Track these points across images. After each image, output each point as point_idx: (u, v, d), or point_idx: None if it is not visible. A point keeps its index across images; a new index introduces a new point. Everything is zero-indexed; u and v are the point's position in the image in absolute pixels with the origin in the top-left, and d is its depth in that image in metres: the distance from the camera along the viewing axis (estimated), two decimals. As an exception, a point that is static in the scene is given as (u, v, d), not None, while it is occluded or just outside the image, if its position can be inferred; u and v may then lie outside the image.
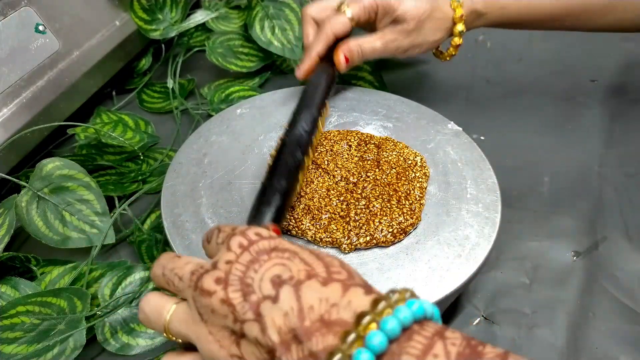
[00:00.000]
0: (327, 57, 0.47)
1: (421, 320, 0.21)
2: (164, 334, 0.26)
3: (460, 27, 0.48)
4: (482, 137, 0.55)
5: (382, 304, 0.20)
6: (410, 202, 0.39)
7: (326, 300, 0.21)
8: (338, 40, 0.47)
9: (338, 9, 0.47)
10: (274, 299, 0.22)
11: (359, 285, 0.22)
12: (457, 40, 0.49)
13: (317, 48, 0.46)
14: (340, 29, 0.46)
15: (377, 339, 0.19)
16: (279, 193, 0.34)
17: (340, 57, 0.46)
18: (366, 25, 0.49)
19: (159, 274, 0.27)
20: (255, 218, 0.33)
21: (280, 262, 0.23)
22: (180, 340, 0.25)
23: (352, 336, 0.20)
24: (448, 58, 0.52)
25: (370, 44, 0.47)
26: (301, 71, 0.47)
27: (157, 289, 0.29)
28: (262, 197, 0.34)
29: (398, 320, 0.20)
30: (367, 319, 0.20)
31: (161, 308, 0.26)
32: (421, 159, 0.43)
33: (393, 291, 0.21)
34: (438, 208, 0.39)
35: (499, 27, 0.51)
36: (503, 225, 0.38)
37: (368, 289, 0.22)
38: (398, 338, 0.20)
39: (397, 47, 0.47)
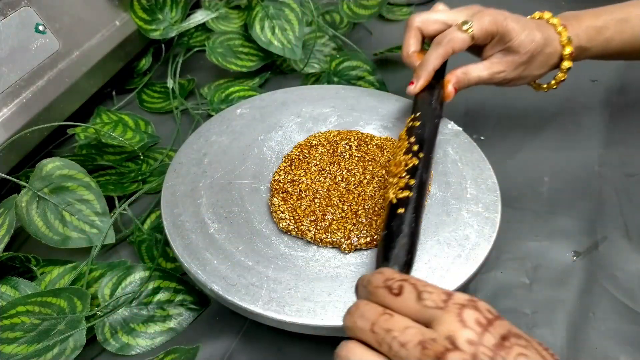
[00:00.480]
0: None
1: None
2: None
3: (567, 64, 0.47)
4: (482, 137, 0.55)
5: None
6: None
7: None
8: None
9: (461, 26, 0.45)
10: None
11: None
12: (561, 76, 0.48)
13: (436, 63, 0.45)
14: (460, 46, 0.45)
15: None
16: (415, 236, 0.33)
17: (449, 89, 0.45)
18: (473, 47, 0.47)
19: (363, 328, 0.24)
20: (392, 257, 0.31)
21: (522, 352, 0.22)
22: None
23: None
24: (545, 90, 0.50)
25: (476, 73, 0.46)
26: (417, 88, 0.45)
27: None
28: (403, 235, 0.32)
29: None
30: None
31: None
32: None
33: None
34: (438, 208, 0.39)
35: (601, 59, 0.50)
36: (503, 225, 0.38)
37: None
38: None
39: (503, 78, 0.47)
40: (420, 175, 0.37)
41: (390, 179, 0.37)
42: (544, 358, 0.22)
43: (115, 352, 0.38)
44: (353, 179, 0.41)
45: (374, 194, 0.39)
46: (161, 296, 0.41)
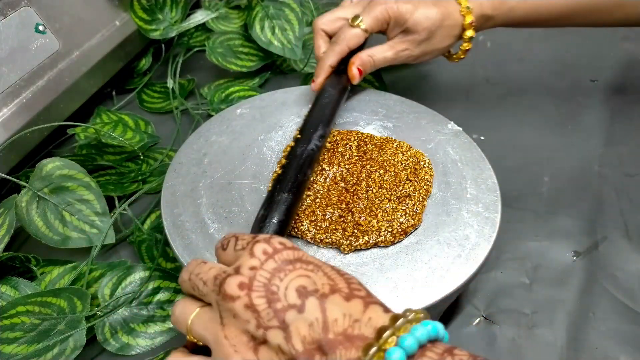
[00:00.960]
0: (339, 68, 0.48)
1: (433, 340, 0.22)
2: (188, 336, 0.26)
3: (469, 33, 0.48)
4: (482, 137, 0.55)
5: (400, 321, 0.21)
6: (413, 203, 0.39)
7: (349, 316, 0.22)
8: (351, 52, 0.48)
9: (352, 22, 0.47)
10: (300, 309, 0.22)
11: (377, 303, 0.23)
12: (466, 45, 0.49)
13: (331, 61, 0.47)
14: (355, 41, 0.47)
15: (396, 354, 0.20)
16: (285, 206, 0.34)
17: (354, 71, 0.47)
18: (378, 33, 0.49)
19: (185, 279, 0.27)
20: (260, 230, 0.33)
21: (304, 274, 0.24)
22: (201, 343, 0.26)
23: (373, 349, 0.20)
24: (457, 60, 0.52)
25: (381, 54, 0.47)
26: (316, 84, 0.47)
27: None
28: (268, 209, 0.34)
29: (415, 338, 0.21)
30: (387, 333, 0.21)
31: (187, 311, 0.26)
32: (428, 161, 0.43)
33: (409, 311, 0.22)
34: (438, 208, 0.39)
35: (506, 27, 0.51)
36: (503, 225, 0.38)
37: (386, 307, 0.23)
38: (414, 355, 0.21)
39: (408, 55, 0.48)
40: (293, 152, 0.39)
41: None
42: (331, 280, 0.24)
43: (115, 352, 0.38)
44: (353, 179, 0.41)
45: (373, 193, 0.39)
46: (161, 296, 0.41)
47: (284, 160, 0.39)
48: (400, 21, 0.46)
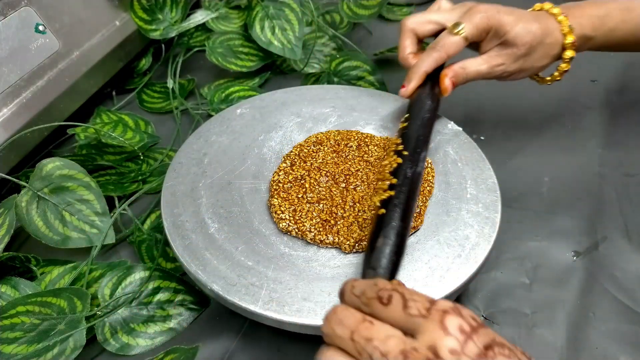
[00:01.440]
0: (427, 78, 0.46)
1: None
2: None
3: (569, 53, 0.45)
4: (482, 137, 0.55)
5: None
6: (416, 203, 0.38)
7: None
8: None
9: (452, 29, 0.44)
10: None
11: None
12: (564, 66, 0.47)
13: (427, 67, 0.45)
14: (454, 50, 0.45)
15: None
16: (401, 237, 0.32)
17: (446, 83, 0.45)
18: (471, 44, 0.47)
19: (342, 336, 0.24)
20: (378, 265, 0.31)
21: None
22: None
23: None
24: (550, 83, 0.50)
25: (475, 67, 0.45)
26: (409, 90, 0.45)
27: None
28: (386, 240, 0.32)
29: None
30: None
31: None
32: (429, 162, 0.43)
33: None
34: (438, 208, 0.39)
35: (606, 50, 0.49)
36: (503, 225, 0.38)
37: None
38: None
39: (502, 71, 0.46)
40: (404, 173, 0.37)
41: (379, 184, 0.38)
42: None
43: (115, 352, 0.38)
44: (353, 179, 0.41)
45: (374, 194, 0.39)
46: (161, 296, 0.41)
47: (388, 176, 0.37)
48: (500, 32, 0.44)
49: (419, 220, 0.38)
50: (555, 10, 0.45)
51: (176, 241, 0.37)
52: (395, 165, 0.38)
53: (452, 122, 0.47)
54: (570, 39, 0.45)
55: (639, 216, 0.47)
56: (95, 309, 0.39)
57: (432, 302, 0.23)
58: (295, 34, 0.61)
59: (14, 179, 0.43)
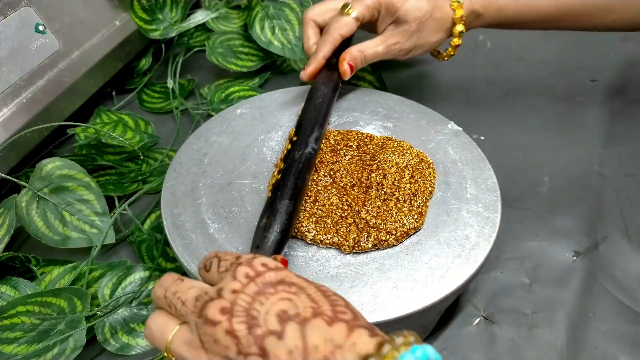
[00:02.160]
0: (330, 62, 0.48)
1: None
2: (165, 353, 0.26)
3: (459, 27, 0.48)
4: (482, 137, 0.55)
5: (386, 348, 0.21)
6: (418, 203, 0.38)
7: (331, 341, 0.21)
8: (342, 46, 0.48)
9: (342, 11, 0.47)
10: (279, 335, 0.22)
11: (363, 327, 0.22)
12: (456, 40, 0.49)
13: (324, 51, 0.46)
14: (346, 30, 0.46)
15: None
16: (286, 214, 0.34)
17: (345, 67, 0.46)
18: (368, 26, 0.49)
19: (160, 296, 0.27)
20: (262, 243, 0.32)
21: (287, 297, 0.23)
22: None
23: None
24: (446, 58, 0.52)
25: (372, 49, 0.47)
26: (307, 73, 0.47)
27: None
28: (271, 217, 0.34)
29: None
30: None
31: (165, 327, 0.26)
32: (431, 162, 0.42)
33: (397, 334, 0.21)
34: (438, 208, 0.39)
35: (497, 28, 0.51)
36: (503, 225, 0.38)
37: (372, 331, 0.22)
38: None
39: (399, 49, 0.47)
40: (291, 156, 0.38)
41: (273, 174, 0.40)
42: (315, 302, 0.23)
43: (115, 352, 0.38)
44: (352, 179, 0.41)
45: (374, 194, 0.39)
46: (161, 296, 0.41)
47: (281, 164, 0.39)
48: (391, 10, 0.46)
49: (420, 221, 0.38)
50: None
51: (176, 241, 0.37)
52: (285, 152, 0.40)
53: (452, 122, 0.47)
54: (459, 13, 0.47)
55: (639, 216, 0.47)
56: (95, 309, 0.39)
57: (237, 257, 0.26)
58: (295, 34, 0.61)
59: (14, 179, 0.43)
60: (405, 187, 0.40)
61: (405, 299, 0.33)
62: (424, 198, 0.39)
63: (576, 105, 0.60)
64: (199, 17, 0.64)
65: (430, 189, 0.40)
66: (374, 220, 0.37)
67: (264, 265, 0.25)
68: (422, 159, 0.43)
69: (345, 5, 0.46)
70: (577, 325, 0.40)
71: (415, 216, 0.38)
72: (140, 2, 0.61)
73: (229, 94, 0.60)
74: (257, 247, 0.32)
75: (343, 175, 0.41)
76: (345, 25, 0.46)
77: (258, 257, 0.26)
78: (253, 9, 0.62)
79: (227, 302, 0.23)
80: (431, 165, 0.42)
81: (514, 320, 0.40)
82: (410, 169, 0.41)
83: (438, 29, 0.48)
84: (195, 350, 0.24)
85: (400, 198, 0.39)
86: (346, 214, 0.38)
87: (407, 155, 0.43)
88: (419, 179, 0.40)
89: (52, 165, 0.43)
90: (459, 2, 0.47)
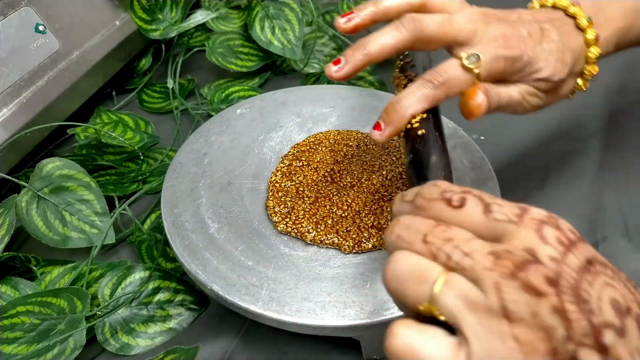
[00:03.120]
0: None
1: None
2: (420, 306, 0.20)
3: (594, 50, 0.36)
4: (482, 137, 0.55)
5: None
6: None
7: None
8: None
9: (465, 60, 0.32)
10: (621, 331, 0.18)
11: None
12: (591, 69, 0.37)
13: (417, 108, 0.33)
14: (458, 90, 0.33)
15: None
16: (447, 160, 0.30)
17: (479, 100, 0.32)
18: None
19: (414, 240, 0.21)
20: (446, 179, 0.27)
21: (609, 282, 0.19)
22: (443, 319, 0.20)
23: None
24: (571, 96, 0.41)
25: (507, 92, 0.35)
26: (384, 136, 0.34)
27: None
28: (443, 156, 0.29)
29: None
30: None
31: (425, 271, 0.20)
32: None
33: None
34: (438, 208, 0.39)
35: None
36: (503, 225, 0.38)
37: None
38: None
39: (537, 104, 0.37)
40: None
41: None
42: (633, 295, 0.19)
43: (115, 352, 0.38)
44: (352, 179, 0.41)
45: (374, 194, 0.39)
46: (161, 296, 0.41)
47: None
48: (528, 69, 0.34)
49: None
50: (579, 12, 0.36)
51: (176, 241, 0.37)
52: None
53: (452, 122, 0.47)
54: (591, 33, 0.36)
55: (639, 216, 0.47)
56: (95, 309, 0.39)
57: (523, 208, 0.21)
58: (295, 34, 0.61)
59: (14, 179, 0.43)
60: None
61: (405, 299, 0.33)
62: None
63: (576, 105, 0.60)
64: (199, 17, 0.64)
65: None
66: (376, 220, 0.37)
67: (572, 231, 0.20)
68: None
69: (471, 55, 0.32)
70: (577, 325, 0.40)
71: None
72: (140, 2, 0.61)
73: (229, 94, 0.60)
74: (422, 179, 0.28)
75: (343, 176, 0.41)
76: (461, 84, 0.33)
77: (560, 219, 0.20)
78: (253, 9, 0.62)
79: (551, 271, 0.18)
80: None
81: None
82: None
83: (574, 74, 0.37)
84: (487, 315, 0.19)
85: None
86: (346, 214, 0.38)
87: (407, 155, 0.43)
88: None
89: (52, 165, 0.43)
90: (589, 20, 0.35)
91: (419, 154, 0.30)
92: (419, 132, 0.31)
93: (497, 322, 0.18)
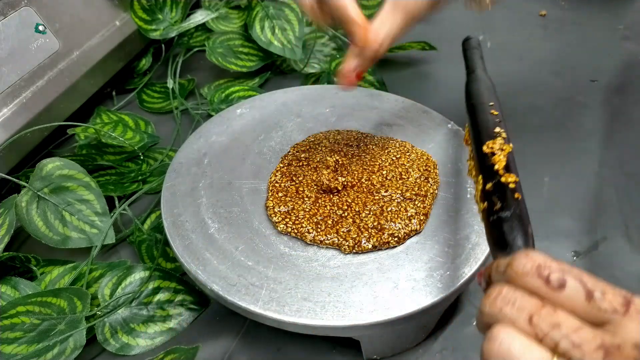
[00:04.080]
0: None
1: None
2: None
3: None
4: (482, 137, 0.55)
5: None
6: (424, 205, 0.38)
7: None
8: None
9: None
10: None
11: None
12: None
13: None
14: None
15: None
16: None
17: (349, 77, 0.36)
18: None
19: (518, 318, 0.21)
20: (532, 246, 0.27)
21: None
22: None
23: None
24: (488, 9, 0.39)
25: (387, 25, 0.35)
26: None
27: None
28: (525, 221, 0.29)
29: None
30: None
31: (537, 358, 0.20)
32: (435, 163, 0.42)
33: None
34: (438, 208, 0.39)
35: None
36: (503, 225, 0.38)
37: None
38: None
39: (418, 11, 0.36)
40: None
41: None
42: None
43: (115, 352, 0.38)
44: (353, 179, 0.41)
45: (374, 194, 0.39)
46: (161, 296, 0.41)
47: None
48: None
49: (424, 223, 0.38)
50: None
51: (176, 241, 0.37)
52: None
53: (452, 122, 0.47)
54: None
55: (639, 216, 0.47)
56: (95, 309, 0.39)
57: (628, 299, 0.21)
58: (295, 34, 0.61)
59: (14, 179, 0.43)
60: (411, 187, 0.39)
61: (405, 299, 0.33)
62: (432, 199, 0.39)
63: (576, 105, 0.60)
64: (199, 17, 0.64)
65: (436, 190, 0.40)
66: (376, 221, 0.37)
67: None
68: (427, 159, 0.42)
69: None
70: (577, 325, 0.40)
71: (422, 218, 0.38)
72: (140, 2, 0.61)
73: (229, 94, 0.60)
74: (505, 247, 0.27)
75: (342, 176, 0.41)
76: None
77: None
78: (253, 9, 0.62)
79: None
80: (436, 166, 0.42)
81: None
82: (417, 170, 0.41)
83: None
84: None
85: (405, 199, 0.39)
86: (346, 214, 0.38)
87: (411, 155, 0.43)
88: (425, 180, 0.40)
89: (52, 165, 0.43)
90: None
91: (513, 218, 0.29)
92: (516, 196, 0.29)
93: None
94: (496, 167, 0.30)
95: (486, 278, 0.24)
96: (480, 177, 0.31)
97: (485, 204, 0.29)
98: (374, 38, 0.35)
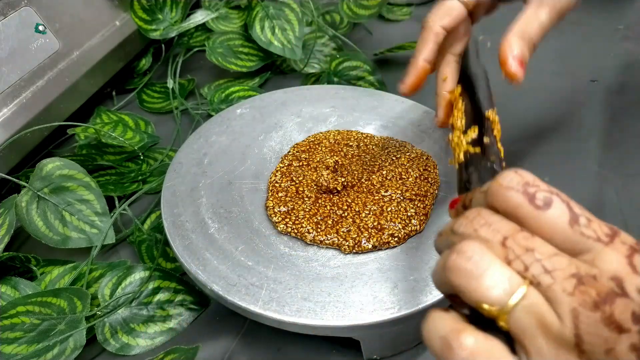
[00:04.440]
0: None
1: None
2: (484, 306, 0.19)
3: None
4: (482, 137, 0.55)
5: None
6: (425, 205, 0.38)
7: None
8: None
9: None
10: None
11: None
12: None
13: (424, 53, 0.36)
14: (450, 20, 0.33)
15: None
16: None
17: (513, 68, 0.34)
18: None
19: (492, 240, 0.19)
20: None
21: None
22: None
23: None
24: None
25: (534, 21, 0.33)
26: (406, 85, 0.38)
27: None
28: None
29: None
30: None
31: (505, 281, 0.18)
32: (434, 163, 0.42)
33: None
34: (438, 208, 0.39)
35: None
36: (503, 225, 0.38)
37: None
38: None
39: (567, 4, 0.34)
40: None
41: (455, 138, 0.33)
42: None
43: (115, 352, 0.38)
44: (353, 179, 0.41)
45: (374, 194, 0.39)
46: (161, 296, 0.41)
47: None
48: None
49: (425, 223, 0.38)
50: None
51: (176, 241, 0.37)
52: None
53: (452, 122, 0.47)
54: None
55: (639, 216, 0.47)
56: (95, 309, 0.39)
57: (614, 229, 0.19)
58: (295, 34, 0.61)
59: (14, 179, 0.43)
60: (411, 187, 0.39)
61: (405, 299, 0.33)
62: (432, 199, 0.39)
63: (576, 105, 0.60)
64: (199, 17, 0.64)
65: (436, 190, 0.40)
66: (376, 221, 0.37)
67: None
68: (427, 159, 0.42)
69: None
70: (577, 325, 0.40)
71: (422, 218, 0.38)
72: (140, 2, 0.61)
73: (229, 94, 0.60)
74: (491, 163, 0.27)
75: (342, 176, 0.41)
76: (450, 13, 0.33)
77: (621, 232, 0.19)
78: (253, 9, 0.62)
79: (638, 306, 0.17)
80: (436, 166, 0.42)
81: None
82: (417, 170, 0.41)
83: None
84: (557, 342, 0.18)
85: (405, 199, 0.39)
86: (346, 214, 0.38)
87: (412, 155, 0.43)
88: (425, 180, 0.40)
89: (52, 165, 0.43)
90: None
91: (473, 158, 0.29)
92: (474, 151, 0.31)
93: (565, 352, 0.18)
94: (495, 132, 0.32)
95: (464, 202, 0.23)
96: (475, 127, 0.33)
97: (478, 148, 0.30)
98: (519, 42, 0.34)
